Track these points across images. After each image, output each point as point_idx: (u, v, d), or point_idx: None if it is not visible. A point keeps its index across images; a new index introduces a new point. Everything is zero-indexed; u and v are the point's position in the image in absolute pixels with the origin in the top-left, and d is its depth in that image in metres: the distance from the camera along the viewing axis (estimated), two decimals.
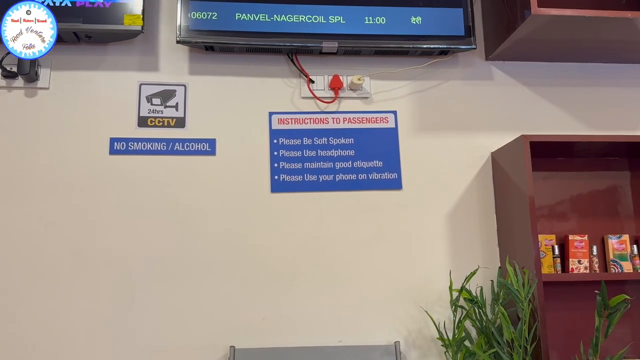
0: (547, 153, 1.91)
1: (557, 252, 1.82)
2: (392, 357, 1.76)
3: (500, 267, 1.81)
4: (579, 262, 1.81)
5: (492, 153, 1.99)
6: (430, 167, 1.98)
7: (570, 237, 1.84)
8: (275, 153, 1.93)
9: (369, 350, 1.77)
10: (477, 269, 1.78)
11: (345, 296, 1.85)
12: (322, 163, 1.94)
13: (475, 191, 1.96)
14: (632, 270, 1.82)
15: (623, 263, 1.83)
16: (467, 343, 1.68)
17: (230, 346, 1.73)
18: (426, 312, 1.80)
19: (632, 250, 1.85)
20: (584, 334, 1.61)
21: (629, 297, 1.45)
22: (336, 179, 1.93)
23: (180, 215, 1.85)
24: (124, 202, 1.82)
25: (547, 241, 1.83)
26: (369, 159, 1.95)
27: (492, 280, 1.78)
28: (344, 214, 1.91)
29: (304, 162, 1.93)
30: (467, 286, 1.74)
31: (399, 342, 1.80)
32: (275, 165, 1.92)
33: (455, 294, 1.74)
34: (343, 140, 1.96)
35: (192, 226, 1.84)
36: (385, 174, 1.94)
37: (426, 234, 1.92)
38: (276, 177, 1.91)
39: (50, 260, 1.76)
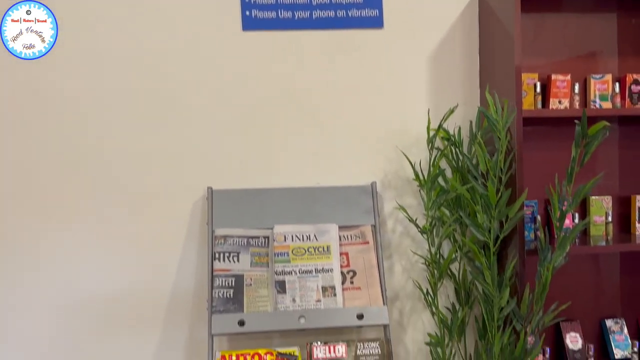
0: None
1: (538, 89, 1.76)
2: (368, 197, 1.77)
3: (480, 107, 1.75)
4: (560, 102, 1.76)
5: None
6: (414, 3, 1.83)
7: (553, 77, 1.76)
8: None
9: (346, 190, 1.77)
10: (456, 106, 1.73)
11: (323, 139, 1.82)
12: None
13: (460, 30, 1.85)
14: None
15: (603, 103, 1.78)
16: (440, 180, 1.67)
17: (208, 187, 1.71)
18: (403, 152, 1.77)
19: (613, 90, 1.79)
20: (559, 171, 1.61)
21: (608, 124, 1.41)
22: (313, 16, 1.77)
23: (152, 60, 1.73)
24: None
25: (529, 80, 1.75)
26: None
27: (470, 121, 1.74)
28: (322, 54, 1.81)
29: None
30: (445, 126, 1.71)
31: (375, 182, 1.80)
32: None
33: (432, 133, 1.70)
34: None
35: (166, 72, 1.74)
36: (366, 10, 1.79)
37: (407, 75, 1.84)
38: (247, 12, 1.74)
39: None
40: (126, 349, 1.71)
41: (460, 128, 1.73)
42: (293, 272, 1.62)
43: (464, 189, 1.56)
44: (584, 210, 1.85)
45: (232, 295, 1.57)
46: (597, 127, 1.42)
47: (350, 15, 1.79)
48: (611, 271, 1.94)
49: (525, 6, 1.63)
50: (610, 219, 1.82)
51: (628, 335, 1.85)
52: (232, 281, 1.59)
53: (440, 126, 1.67)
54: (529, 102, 1.74)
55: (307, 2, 1.77)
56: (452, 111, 1.69)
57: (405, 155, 1.76)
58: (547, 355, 1.77)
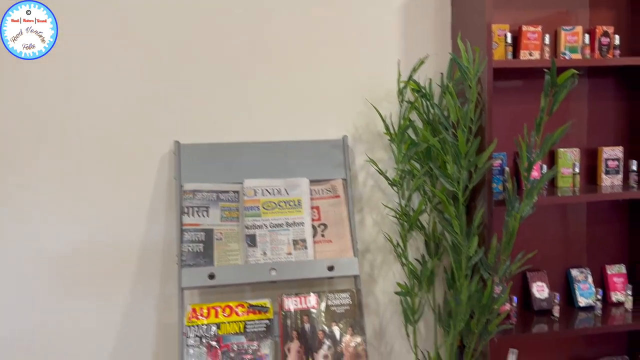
0: None
1: (509, 40, 1.74)
2: (339, 151, 1.76)
3: (451, 59, 1.72)
4: (530, 54, 1.76)
5: None
6: None
7: (524, 28, 1.76)
8: None
9: (317, 144, 1.77)
10: (426, 56, 1.71)
11: (294, 93, 1.79)
12: None
13: None
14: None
15: (573, 55, 1.79)
16: (411, 133, 1.67)
17: (175, 141, 1.67)
18: (373, 105, 1.76)
19: (583, 42, 1.78)
20: (529, 123, 1.62)
21: (576, 72, 1.40)
22: None
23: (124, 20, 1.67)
24: None
25: (500, 31, 1.74)
26: None
27: (442, 73, 1.72)
28: (292, 6, 1.75)
29: None
30: (416, 78, 1.68)
31: (346, 136, 1.79)
32: None
33: (402, 85, 1.69)
34: None
35: (134, 26, 1.68)
36: None
37: (378, 26, 1.82)
38: None
39: None
40: (96, 303, 1.70)
41: (431, 80, 1.71)
42: (264, 226, 1.62)
43: (435, 140, 1.56)
44: (552, 163, 1.87)
45: (202, 250, 1.57)
46: (565, 76, 1.43)
47: None
48: (578, 222, 1.99)
49: None
50: (577, 170, 1.84)
51: (592, 284, 1.91)
52: (201, 236, 1.59)
53: (410, 78, 1.65)
54: (500, 54, 1.73)
55: None
56: (422, 62, 1.67)
57: (375, 109, 1.75)
58: (514, 304, 1.80)
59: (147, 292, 1.72)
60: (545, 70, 1.45)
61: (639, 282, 1.95)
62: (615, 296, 1.93)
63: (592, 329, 1.81)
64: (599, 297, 1.88)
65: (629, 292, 1.87)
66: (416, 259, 1.78)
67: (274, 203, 1.65)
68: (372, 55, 1.81)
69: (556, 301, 1.84)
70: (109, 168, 1.69)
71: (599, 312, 1.86)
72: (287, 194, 1.67)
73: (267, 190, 1.66)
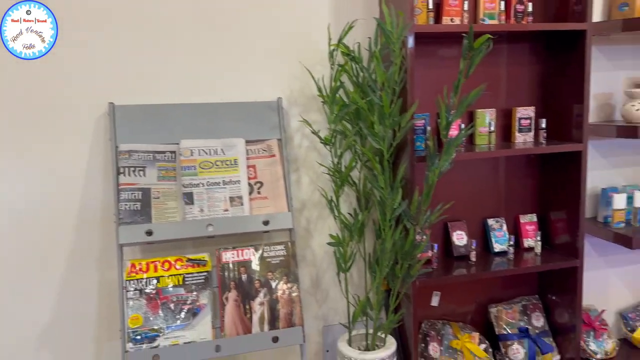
0: None
1: (431, 6, 1.78)
2: (274, 112, 1.78)
3: (378, 25, 1.76)
4: (451, 20, 1.81)
5: None
6: None
7: None
8: None
9: (252, 106, 1.77)
10: (355, 21, 1.72)
11: (229, 55, 1.78)
12: None
13: None
14: None
15: (491, 21, 1.85)
16: (343, 94, 1.70)
17: (109, 102, 1.64)
18: (306, 68, 1.78)
19: (499, 9, 1.86)
20: (449, 84, 1.68)
21: (491, 36, 1.48)
22: None
23: None
24: None
25: None
26: None
27: (369, 37, 1.74)
28: None
29: None
30: (346, 42, 1.69)
31: (281, 98, 1.81)
32: None
33: (333, 49, 1.70)
34: None
35: None
36: None
37: None
38: None
39: None
40: (38, 262, 1.69)
41: (359, 44, 1.73)
42: (201, 184, 1.63)
43: (363, 102, 1.60)
44: (472, 122, 1.95)
45: (139, 208, 1.57)
46: (481, 40, 1.49)
47: None
48: (494, 176, 2.09)
49: None
50: (493, 128, 1.93)
51: (506, 232, 2.04)
52: (139, 194, 1.58)
53: (340, 41, 1.66)
54: (423, 19, 1.78)
55: None
56: (351, 27, 1.68)
57: (309, 71, 1.77)
58: (436, 250, 1.91)
59: (87, 251, 1.71)
60: (464, 34, 1.51)
61: (547, 229, 2.10)
62: (527, 242, 2.07)
63: (506, 271, 1.90)
64: (512, 243, 2.01)
65: (539, 239, 2.02)
66: (348, 213, 1.86)
67: (211, 162, 1.65)
68: (306, 19, 1.81)
69: (473, 247, 1.96)
70: (45, 130, 1.65)
71: (511, 256, 2.00)
72: (224, 153, 1.68)
73: (203, 150, 1.66)
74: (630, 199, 2.11)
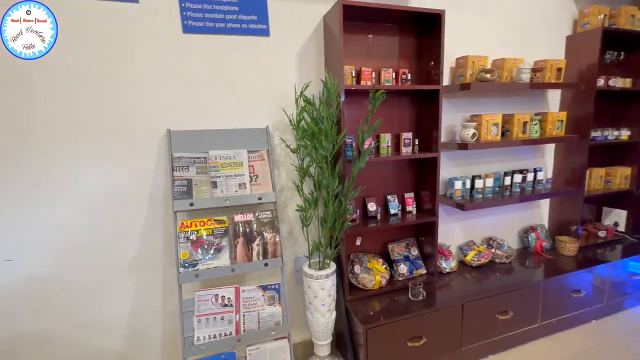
0: (356, 16, 1.82)
1: (354, 74, 1.85)
2: (264, 134, 1.80)
3: (323, 81, 1.79)
4: (366, 82, 1.87)
5: (324, 16, 1.86)
6: (288, 23, 1.81)
7: (363, 68, 1.86)
8: (184, 5, 1.63)
9: (252, 131, 1.79)
10: (310, 82, 1.78)
11: (237, 101, 1.79)
12: (216, 15, 1.69)
13: (314, 39, 1.86)
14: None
15: (387, 84, 1.90)
16: (304, 124, 1.73)
17: (167, 128, 1.65)
18: (283, 109, 1.82)
19: (392, 77, 1.91)
20: (363, 118, 1.75)
21: (384, 92, 1.57)
22: (227, 26, 1.71)
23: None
24: None
25: (349, 69, 1.84)
26: (248, 14, 1.74)
27: (319, 91, 1.83)
28: (235, 50, 1.74)
29: (204, 12, 1.67)
30: (306, 94, 1.77)
31: (268, 126, 1.83)
32: (184, 13, 1.64)
33: (297, 98, 1.75)
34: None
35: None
36: (259, 25, 1.76)
37: (285, 64, 1.84)
38: (185, 22, 1.64)
39: None
40: (125, 222, 1.68)
41: (313, 95, 1.81)
42: (222, 177, 1.65)
43: (316, 128, 1.64)
44: (379, 140, 1.99)
45: (185, 190, 1.59)
46: (379, 94, 1.58)
47: (249, 27, 1.74)
48: (391, 171, 2.12)
49: (346, 29, 1.70)
50: (389, 144, 1.97)
51: (397, 203, 2.09)
52: (185, 182, 1.59)
53: (302, 94, 1.71)
54: (350, 82, 1.84)
55: (223, 17, 1.69)
56: (307, 85, 1.72)
57: (284, 111, 1.82)
58: (358, 213, 1.97)
59: (155, 216, 1.71)
60: (371, 90, 1.60)
61: (419, 201, 2.14)
62: (408, 208, 2.09)
63: (397, 224, 1.94)
64: (400, 209, 2.09)
65: (414, 206, 2.09)
66: (308, 193, 1.89)
67: (227, 164, 1.68)
68: (282, 80, 1.84)
69: (379, 211, 2.04)
70: (130, 144, 1.64)
71: (400, 216, 2.04)
72: (235, 158, 1.69)
73: (223, 156, 1.68)
74: (463, 184, 2.20)
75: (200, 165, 1.65)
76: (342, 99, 1.70)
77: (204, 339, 1.55)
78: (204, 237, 1.59)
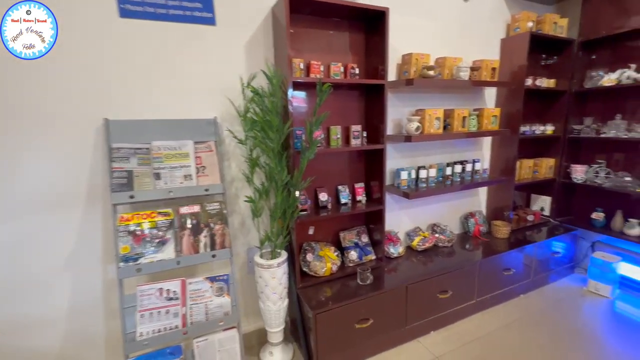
0: (305, 9, 1.81)
1: (303, 67, 1.84)
2: (212, 125, 1.76)
3: (265, 73, 1.77)
4: (316, 76, 1.88)
5: (272, 7, 1.84)
6: (235, 12, 1.76)
7: (312, 61, 1.86)
8: None
9: (199, 122, 1.74)
10: (256, 73, 1.76)
11: (183, 91, 1.73)
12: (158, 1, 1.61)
13: (262, 30, 1.83)
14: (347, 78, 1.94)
15: (336, 77, 1.92)
16: (251, 114, 1.71)
17: (104, 118, 1.56)
18: (230, 100, 1.78)
19: (341, 71, 1.93)
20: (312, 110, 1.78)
21: (331, 85, 1.59)
22: (169, 12, 1.64)
23: None
24: None
25: (299, 62, 1.83)
26: (191, 1, 1.67)
27: (267, 83, 1.78)
28: (182, 38, 1.67)
29: None
30: (256, 86, 1.74)
31: (216, 117, 1.79)
32: None
33: (244, 89, 1.73)
34: None
35: None
36: (204, 13, 1.70)
37: (232, 55, 1.79)
38: (122, 5, 1.54)
39: None
40: (64, 214, 1.58)
41: (262, 87, 1.78)
42: (166, 168, 1.60)
43: (263, 120, 1.64)
44: (328, 133, 2.00)
45: (126, 182, 1.52)
46: (326, 87, 1.61)
47: (194, 15, 1.68)
48: (342, 162, 2.14)
49: (296, 23, 1.71)
50: (339, 136, 1.99)
51: (348, 192, 2.12)
52: (125, 174, 1.53)
53: (248, 84, 1.70)
54: (299, 74, 1.83)
55: (165, 2, 1.61)
56: (254, 76, 1.71)
57: (231, 102, 1.78)
58: (309, 203, 1.97)
59: (94, 210, 1.63)
60: (318, 83, 1.62)
61: (369, 191, 2.18)
62: (359, 198, 2.13)
63: (347, 213, 1.97)
64: (351, 198, 2.11)
65: (364, 196, 2.14)
66: (260, 184, 1.87)
67: (172, 155, 1.62)
68: (230, 72, 1.80)
69: (330, 201, 2.06)
70: (66, 135, 1.53)
71: (350, 205, 2.07)
72: (180, 149, 1.64)
73: (167, 147, 1.62)
74: (409, 174, 2.25)
75: (143, 157, 1.59)
76: (290, 90, 1.70)
77: (147, 334, 1.50)
78: (147, 230, 1.54)
